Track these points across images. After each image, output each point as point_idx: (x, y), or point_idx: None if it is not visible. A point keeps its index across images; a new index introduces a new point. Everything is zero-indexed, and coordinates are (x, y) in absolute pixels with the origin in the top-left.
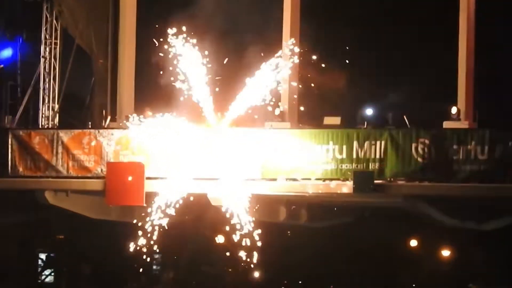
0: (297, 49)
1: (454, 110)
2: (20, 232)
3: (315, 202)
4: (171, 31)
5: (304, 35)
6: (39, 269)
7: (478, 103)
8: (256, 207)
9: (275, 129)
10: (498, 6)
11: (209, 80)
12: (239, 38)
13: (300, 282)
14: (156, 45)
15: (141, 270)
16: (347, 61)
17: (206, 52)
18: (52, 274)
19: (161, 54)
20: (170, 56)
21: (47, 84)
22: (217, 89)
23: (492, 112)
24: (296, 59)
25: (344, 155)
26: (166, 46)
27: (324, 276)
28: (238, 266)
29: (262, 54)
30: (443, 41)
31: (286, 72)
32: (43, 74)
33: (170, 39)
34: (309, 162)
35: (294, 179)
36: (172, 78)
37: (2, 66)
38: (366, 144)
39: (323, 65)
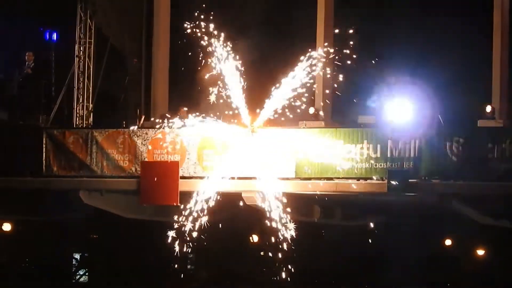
0: (331, 49)
1: (488, 108)
2: (54, 231)
3: (349, 201)
4: (205, 29)
5: (338, 34)
6: (73, 269)
7: None
8: (290, 206)
9: (309, 128)
10: None
11: (244, 79)
12: (273, 36)
13: (333, 282)
14: (190, 43)
15: (175, 268)
16: (376, 60)
17: (240, 51)
18: (87, 274)
19: (195, 52)
20: (204, 54)
21: (81, 84)
22: (245, 86)
23: None
24: (330, 58)
25: (379, 154)
26: (200, 44)
27: (358, 275)
28: (272, 265)
29: (296, 53)
30: (478, 38)
31: (320, 71)
32: (77, 73)
33: (204, 37)
34: (343, 161)
35: (328, 178)
36: (206, 77)
37: (31, 68)
38: (401, 143)
39: (356, 64)
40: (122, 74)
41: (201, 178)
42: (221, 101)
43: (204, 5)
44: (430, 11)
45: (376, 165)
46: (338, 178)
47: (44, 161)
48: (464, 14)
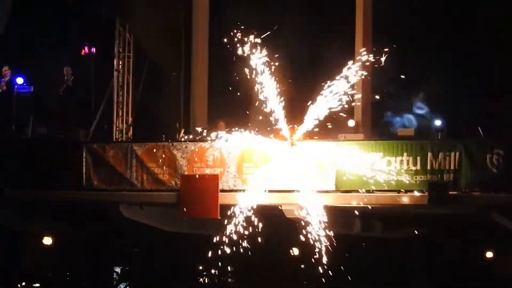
0: (371, 58)
1: None
2: (94, 245)
3: (389, 214)
4: (243, 42)
5: (377, 46)
6: (114, 282)
7: None
8: (330, 219)
9: (348, 141)
10: None
11: (282, 92)
12: (311, 48)
13: None
14: (228, 56)
15: (215, 282)
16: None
17: (278, 63)
18: (127, 287)
19: (234, 66)
20: (242, 67)
21: (121, 98)
22: (284, 98)
23: None
24: (368, 71)
25: (418, 166)
26: (238, 57)
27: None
28: (313, 278)
29: (334, 66)
30: None
31: (359, 84)
32: (117, 87)
33: (243, 50)
34: (383, 174)
35: (368, 191)
36: (245, 91)
37: (70, 82)
38: (441, 155)
39: (395, 76)
40: (161, 88)
41: (240, 191)
42: (261, 114)
43: (242, 19)
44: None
45: (416, 178)
46: (378, 190)
47: (84, 175)
48: (500, 27)
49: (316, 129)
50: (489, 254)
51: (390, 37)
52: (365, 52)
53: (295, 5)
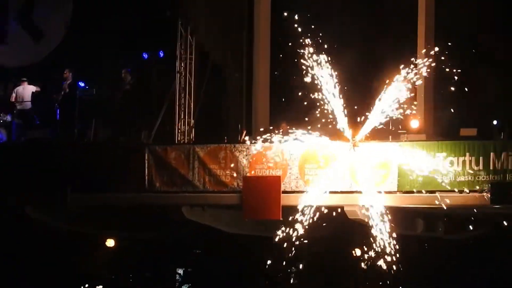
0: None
1: None
2: (157, 247)
3: (452, 214)
4: (304, 44)
5: (438, 47)
6: (177, 284)
7: None
8: (393, 220)
9: (410, 141)
10: None
11: (343, 93)
12: (371, 49)
13: None
14: (290, 58)
15: (278, 283)
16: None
17: (339, 64)
18: None
19: (295, 67)
20: (304, 69)
21: (183, 100)
22: (345, 99)
23: None
24: (430, 70)
25: (481, 167)
26: (299, 59)
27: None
28: (375, 278)
29: (395, 66)
30: None
31: (421, 84)
32: (179, 89)
33: (304, 52)
34: (445, 174)
35: (431, 191)
36: (306, 92)
37: (130, 85)
38: (503, 155)
39: (456, 78)
40: (223, 90)
41: (303, 192)
42: (322, 115)
43: (302, 21)
44: None
45: (478, 178)
46: (441, 191)
47: (146, 177)
48: None
49: (378, 129)
50: None
51: (451, 38)
52: (425, 54)
53: (356, 7)
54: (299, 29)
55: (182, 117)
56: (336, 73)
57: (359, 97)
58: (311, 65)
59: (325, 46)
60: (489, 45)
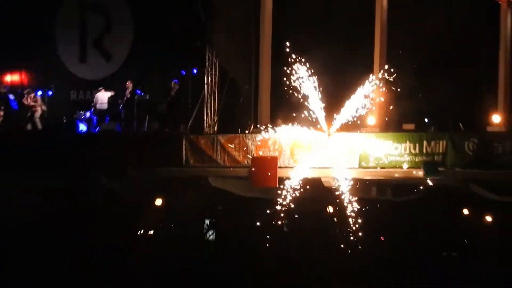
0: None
1: (496, 118)
2: (192, 204)
3: (396, 184)
4: (294, 68)
5: (392, 62)
6: (205, 230)
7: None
8: (355, 187)
9: (368, 133)
10: None
11: (322, 96)
12: (342, 65)
13: (382, 237)
14: (285, 72)
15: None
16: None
17: (319, 73)
18: (213, 234)
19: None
20: (295, 80)
21: (209, 103)
22: (324, 101)
23: None
24: (382, 83)
25: (417, 151)
26: (291, 72)
27: (403, 235)
28: (344, 227)
29: (362, 76)
30: (486, 59)
31: (376, 92)
32: (206, 96)
33: (295, 69)
34: (392, 156)
35: (382, 167)
36: (296, 98)
37: (175, 92)
38: (432, 143)
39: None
40: (237, 96)
41: (293, 168)
42: (306, 113)
43: (295, 49)
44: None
45: (415, 159)
46: (389, 167)
47: (184, 157)
48: (469, 34)
49: (346, 123)
50: (466, 212)
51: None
52: (381, 67)
53: (332, 30)
54: (293, 56)
55: (208, 115)
56: (317, 84)
57: (333, 101)
58: (300, 80)
59: (308, 67)
60: (431, 57)
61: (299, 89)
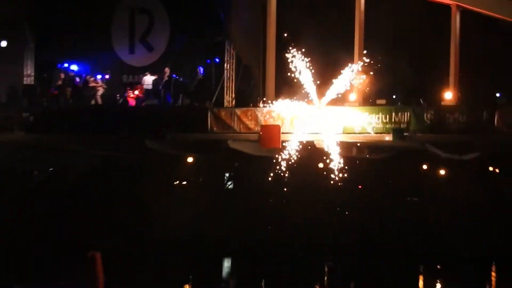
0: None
1: (448, 95)
2: (215, 162)
3: (371, 145)
4: (293, 49)
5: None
6: (225, 181)
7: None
8: (340, 148)
9: (350, 106)
10: None
11: (314, 76)
12: (331, 50)
13: (360, 186)
14: (286, 60)
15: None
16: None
17: (314, 57)
18: (231, 184)
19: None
20: (292, 64)
21: (228, 84)
22: (316, 80)
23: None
24: (361, 66)
25: (387, 120)
26: (290, 57)
27: (376, 184)
28: (331, 179)
29: (344, 62)
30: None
31: (357, 73)
32: (226, 79)
33: (293, 53)
34: (369, 124)
35: (361, 133)
36: (294, 77)
37: (202, 76)
38: (399, 114)
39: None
40: (250, 78)
41: (292, 133)
42: (302, 90)
43: (293, 39)
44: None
45: (386, 126)
46: (366, 133)
47: (208, 125)
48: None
49: (333, 98)
50: (425, 167)
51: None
52: (360, 55)
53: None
54: (292, 45)
55: (227, 93)
56: (311, 66)
57: (323, 81)
58: (297, 62)
59: (303, 55)
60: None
61: (296, 72)
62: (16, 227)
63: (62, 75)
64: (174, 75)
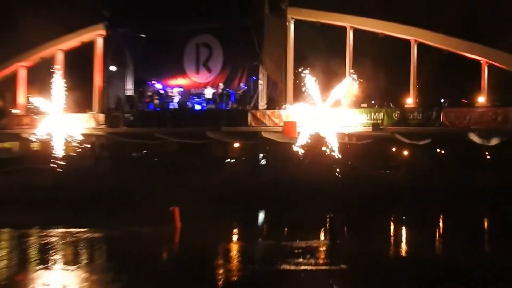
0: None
1: (409, 100)
2: (251, 147)
3: (359, 135)
4: (305, 69)
5: (356, 66)
6: (259, 160)
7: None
8: (340, 138)
9: (343, 108)
10: None
11: (318, 87)
12: (330, 70)
13: (350, 163)
14: (301, 76)
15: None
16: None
17: (317, 70)
18: (264, 161)
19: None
20: (305, 78)
21: (261, 93)
22: (320, 88)
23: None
24: (353, 78)
25: (369, 118)
26: (303, 75)
27: (361, 160)
28: (331, 157)
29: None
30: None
31: (350, 83)
32: (260, 90)
33: (305, 73)
34: (356, 121)
35: (350, 126)
36: (305, 87)
37: (244, 89)
38: (377, 113)
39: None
40: (276, 89)
41: (303, 127)
42: (309, 95)
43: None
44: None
45: (368, 122)
46: (354, 126)
47: (248, 122)
48: None
49: (332, 102)
50: (393, 149)
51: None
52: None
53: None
54: (304, 67)
55: (261, 99)
56: (316, 80)
57: (325, 89)
58: (307, 78)
59: (310, 72)
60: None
61: (306, 85)
62: (124, 188)
63: (151, 89)
64: (226, 88)
